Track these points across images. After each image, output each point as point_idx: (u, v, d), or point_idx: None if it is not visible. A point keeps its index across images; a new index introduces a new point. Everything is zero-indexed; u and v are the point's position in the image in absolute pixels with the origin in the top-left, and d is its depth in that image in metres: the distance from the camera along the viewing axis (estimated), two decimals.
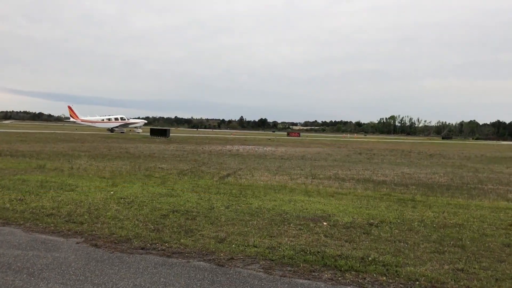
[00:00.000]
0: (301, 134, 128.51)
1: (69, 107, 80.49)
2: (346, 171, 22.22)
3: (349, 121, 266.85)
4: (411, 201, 12.90)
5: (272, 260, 6.77)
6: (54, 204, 10.40)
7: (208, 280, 5.99)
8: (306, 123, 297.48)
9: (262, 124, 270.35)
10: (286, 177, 18.36)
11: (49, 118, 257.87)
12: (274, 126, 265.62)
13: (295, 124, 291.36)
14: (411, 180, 19.05)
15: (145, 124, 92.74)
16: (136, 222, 8.89)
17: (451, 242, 8.06)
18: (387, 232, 8.74)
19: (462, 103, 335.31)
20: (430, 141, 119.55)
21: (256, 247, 7.37)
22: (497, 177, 21.53)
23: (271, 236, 8.07)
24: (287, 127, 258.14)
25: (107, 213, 9.58)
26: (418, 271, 6.38)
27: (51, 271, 6.15)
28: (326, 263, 6.67)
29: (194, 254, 7.04)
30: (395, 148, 55.61)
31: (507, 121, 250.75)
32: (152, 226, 8.58)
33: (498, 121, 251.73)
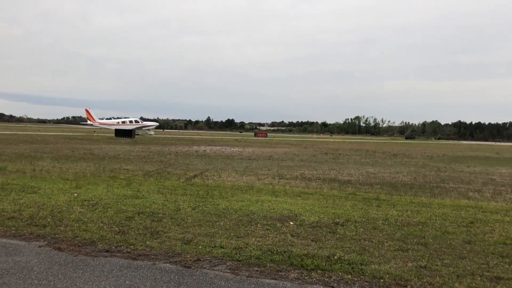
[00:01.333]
0: (268, 134, 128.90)
1: (86, 110, 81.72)
2: (312, 171, 22.41)
3: (315, 121, 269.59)
4: (375, 200, 13.11)
5: (239, 261, 6.77)
6: (16, 207, 10.13)
7: (175, 282, 5.94)
8: (273, 124, 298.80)
9: (229, 124, 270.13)
10: (253, 177, 18.38)
11: (11, 119, 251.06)
12: (242, 126, 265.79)
13: (262, 125, 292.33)
14: (375, 179, 19.36)
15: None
16: (101, 224, 8.75)
17: (414, 240, 8.23)
18: (353, 231, 8.86)
19: (425, 104, 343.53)
20: (394, 141, 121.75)
21: (223, 248, 7.35)
22: (458, 176, 22.09)
23: (238, 237, 8.07)
24: (254, 128, 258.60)
25: (71, 216, 9.39)
26: (383, 269, 6.49)
27: (11, 276, 5.98)
28: (293, 262, 6.71)
29: (160, 256, 6.97)
30: (360, 148, 56.41)
31: (468, 121, 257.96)
32: (117, 228, 8.46)
33: (459, 121, 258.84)
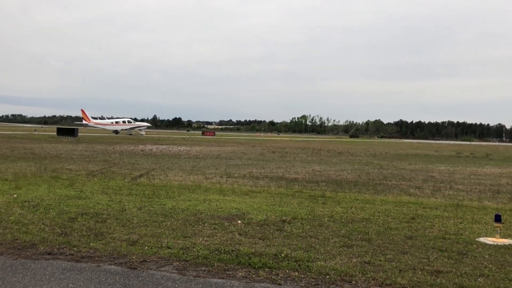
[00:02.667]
0: (216, 133, 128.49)
1: (82, 111, 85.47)
2: (260, 169, 22.52)
3: (263, 120, 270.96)
4: (321, 197, 13.32)
5: (186, 261, 6.70)
6: None
7: (120, 284, 5.80)
8: (221, 122, 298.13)
9: (176, 123, 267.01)
10: (201, 176, 18.27)
11: None
12: (189, 125, 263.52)
13: (210, 123, 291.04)
14: (321, 177, 19.68)
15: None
16: (42, 226, 8.44)
17: (359, 236, 8.42)
18: (299, 228, 8.96)
19: (368, 104, 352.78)
20: (338, 139, 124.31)
21: (169, 248, 7.25)
22: (400, 173, 22.81)
23: (185, 237, 7.99)
24: (202, 126, 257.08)
25: (10, 218, 9.00)
26: (328, 265, 6.59)
27: None
28: (240, 261, 6.71)
29: (104, 257, 6.79)
30: (306, 146, 57.23)
31: (409, 121, 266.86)
32: (59, 230, 8.18)
33: (401, 120, 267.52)
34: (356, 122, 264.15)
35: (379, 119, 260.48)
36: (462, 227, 9.64)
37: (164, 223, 8.99)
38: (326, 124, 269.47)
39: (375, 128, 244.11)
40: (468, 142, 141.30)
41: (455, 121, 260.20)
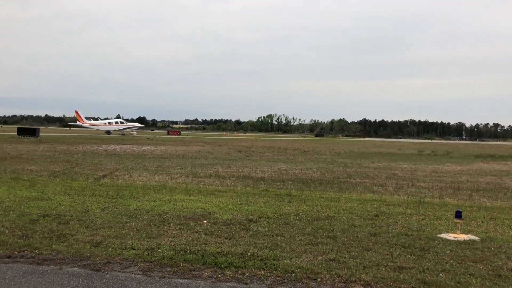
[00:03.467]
0: (181, 132, 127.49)
1: (76, 112, 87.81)
2: (226, 168, 22.48)
3: (229, 119, 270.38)
4: (287, 196, 13.40)
5: (151, 262, 6.63)
6: None
7: (83, 286, 5.69)
8: (186, 122, 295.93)
9: (140, 122, 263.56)
10: (166, 176, 18.11)
11: None
12: (154, 124, 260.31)
13: (175, 123, 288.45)
14: (287, 175, 19.80)
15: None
16: (2, 228, 8.19)
17: (324, 234, 8.50)
18: (265, 227, 8.99)
19: (333, 103, 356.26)
20: (304, 138, 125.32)
21: (134, 249, 7.16)
22: (363, 171, 23.16)
23: (150, 237, 7.90)
24: (167, 126, 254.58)
25: None
26: (294, 263, 6.63)
27: None
28: (206, 261, 6.67)
29: (67, 260, 6.65)
30: (272, 145, 57.44)
31: (372, 119, 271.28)
32: (20, 232, 7.96)
33: (365, 119, 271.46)
34: (321, 121, 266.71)
35: (344, 118, 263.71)
36: (424, 223, 9.86)
37: (128, 224, 8.87)
38: (291, 123, 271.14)
39: (340, 127, 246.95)
40: (430, 140, 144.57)
41: (417, 120, 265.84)
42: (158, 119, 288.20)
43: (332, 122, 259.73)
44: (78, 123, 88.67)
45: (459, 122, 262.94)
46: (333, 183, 17.38)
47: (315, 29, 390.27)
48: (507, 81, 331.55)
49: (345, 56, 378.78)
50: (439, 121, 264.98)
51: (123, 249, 7.16)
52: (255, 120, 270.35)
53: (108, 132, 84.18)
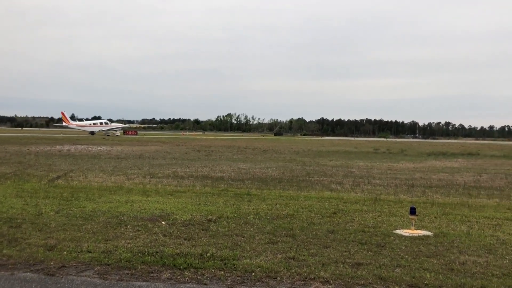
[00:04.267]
0: (138, 132, 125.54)
1: (62, 113, 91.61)
2: (185, 168, 22.30)
3: (187, 118, 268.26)
4: (247, 195, 13.41)
5: (108, 265, 6.49)
6: None
7: None
8: (143, 121, 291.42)
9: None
10: (122, 177, 17.80)
11: None
12: None
13: (132, 122, 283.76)
14: (247, 175, 19.81)
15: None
16: None
17: (283, 232, 8.55)
18: (225, 227, 8.95)
19: (292, 102, 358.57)
20: (263, 137, 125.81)
21: (90, 252, 6.99)
22: (322, 170, 23.44)
23: (107, 240, 7.73)
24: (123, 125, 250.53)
25: None
26: (254, 262, 6.63)
27: None
28: (165, 262, 6.59)
29: (19, 265, 6.42)
30: (232, 144, 57.38)
31: (330, 118, 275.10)
32: None
33: (322, 118, 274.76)
34: (280, 120, 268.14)
35: (302, 117, 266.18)
36: (380, 220, 10.06)
37: (84, 227, 8.66)
38: (251, 122, 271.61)
39: (298, 126, 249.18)
40: (385, 139, 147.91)
41: (373, 119, 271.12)
42: (114, 119, 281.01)
43: (291, 121, 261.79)
44: (64, 124, 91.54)
45: (413, 121, 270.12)
46: (292, 182, 17.51)
47: (274, 29, 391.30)
48: (459, 81, 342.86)
49: (304, 56, 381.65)
50: (394, 120, 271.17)
51: (78, 252, 6.98)
52: (214, 120, 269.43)
53: (92, 133, 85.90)
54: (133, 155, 32.39)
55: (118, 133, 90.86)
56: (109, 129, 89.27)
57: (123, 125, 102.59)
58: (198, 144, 55.12)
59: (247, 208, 11.09)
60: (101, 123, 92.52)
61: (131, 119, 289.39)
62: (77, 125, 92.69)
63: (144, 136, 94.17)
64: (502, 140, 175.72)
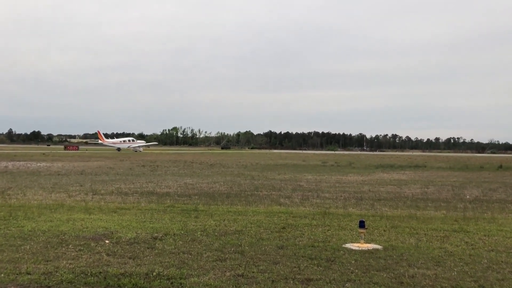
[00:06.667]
0: (80, 147, 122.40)
1: (98, 132, 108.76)
2: (129, 184, 21.93)
3: (131, 132, 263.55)
4: (194, 211, 13.33)
5: (49, 287, 6.29)
6: None
7: None
8: (85, 136, 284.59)
9: (35, 137, 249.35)
10: (63, 194, 17.31)
11: None
12: (50, 139, 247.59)
13: (73, 137, 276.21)
14: (193, 190, 19.69)
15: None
16: None
17: (232, 249, 8.55)
18: (171, 244, 8.86)
19: (238, 115, 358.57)
20: (210, 151, 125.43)
21: (29, 274, 6.75)
22: (270, 184, 23.61)
23: (47, 261, 7.49)
24: (64, 140, 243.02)
25: None
26: (202, 280, 6.60)
27: None
28: (109, 283, 6.45)
29: None
30: (178, 159, 56.89)
31: (278, 131, 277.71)
32: None
33: (270, 131, 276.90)
34: (228, 134, 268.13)
35: (250, 130, 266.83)
36: (330, 234, 10.24)
37: (22, 247, 8.36)
38: (198, 136, 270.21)
39: (246, 139, 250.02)
40: (333, 152, 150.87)
41: (321, 132, 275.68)
42: (54, 133, 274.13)
43: (238, 134, 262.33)
44: (99, 141, 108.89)
45: (360, 134, 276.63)
46: (240, 196, 17.55)
47: (218, 41, 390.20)
48: (405, 94, 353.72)
49: (249, 67, 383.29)
50: (341, 133, 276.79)
51: (17, 274, 6.74)
52: (159, 133, 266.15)
53: (119, 149, 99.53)
54: (75, 171, 31.56)
55: (141, 149, 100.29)
56: (139, 146, 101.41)
57: (145, 143, 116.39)
58: (142, 159, 54.33)
59: (194, 225, 11.03)
60: (129, 141, 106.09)
61: (72, 134, 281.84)
62: (110, 143, 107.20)
63: (86, 151, 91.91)
64: (448, 152, 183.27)
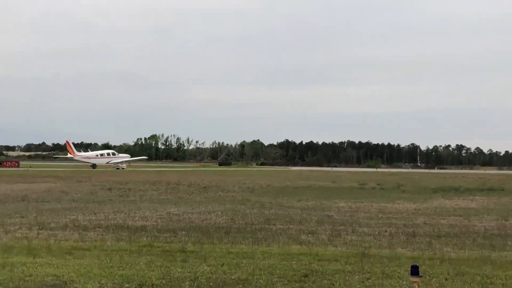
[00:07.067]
0: (21, 163, 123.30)
1: (67, 143, 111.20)
2: (90, 215, 21.98)
3: (93, 142, 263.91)
4: (180, 252, 13.33)
5: None
6: None
7: None
8: (29, 147, 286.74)
9: None
10: None
11: None
12: None
13: (13, 149, 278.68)
14: (180, 223, 19.68)
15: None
16: None
17: None
18: None
19: (242, 118, 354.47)
20: (203, 168, 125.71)
21: None
22: (287, 214, 23.55)
23: None
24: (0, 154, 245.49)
25: None
26: None
27: None
28: None
29: None
30: (158, 179, 56.98)
31: (297, 141, 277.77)
32: None
33: (287, 140, 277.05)
34: (227, 144, 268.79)
35: (258, 140, 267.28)
36: (370, 284, 10.18)
37: None
38: (185, 148, 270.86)
39: (253, 152, 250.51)
40: (374, 169, 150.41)
41: (357, 141, 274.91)
42: None
43: (242, 145, 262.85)
44: (69, 155, 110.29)
45: (412, 144, 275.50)
46: (245, 232, 17.52)
47: (214, 16, 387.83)
48: (475, 89, 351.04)
49: (255, 54, 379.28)
50: (386, 143, 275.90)
51: None
52: (132, 144, 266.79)
53: (94, 166, 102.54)
54: (14, 196, 31.71)
55: (125, 165, 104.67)
56: (122, 162, 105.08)
57: (128, 156, 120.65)
58: (109, 179, 54.49)
59: (181, 271, 11.01)
60: (108, 154, 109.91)
61: (11, 145, 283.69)
62: (85, 157, 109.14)
63: (30, 168, 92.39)
64: None
